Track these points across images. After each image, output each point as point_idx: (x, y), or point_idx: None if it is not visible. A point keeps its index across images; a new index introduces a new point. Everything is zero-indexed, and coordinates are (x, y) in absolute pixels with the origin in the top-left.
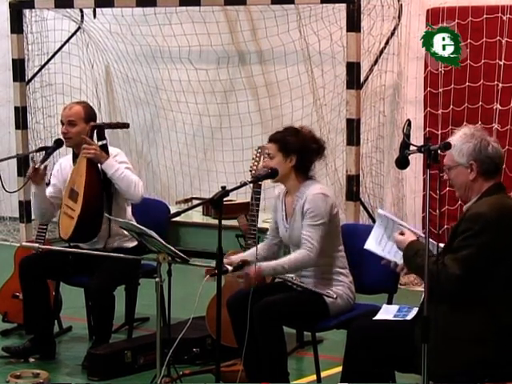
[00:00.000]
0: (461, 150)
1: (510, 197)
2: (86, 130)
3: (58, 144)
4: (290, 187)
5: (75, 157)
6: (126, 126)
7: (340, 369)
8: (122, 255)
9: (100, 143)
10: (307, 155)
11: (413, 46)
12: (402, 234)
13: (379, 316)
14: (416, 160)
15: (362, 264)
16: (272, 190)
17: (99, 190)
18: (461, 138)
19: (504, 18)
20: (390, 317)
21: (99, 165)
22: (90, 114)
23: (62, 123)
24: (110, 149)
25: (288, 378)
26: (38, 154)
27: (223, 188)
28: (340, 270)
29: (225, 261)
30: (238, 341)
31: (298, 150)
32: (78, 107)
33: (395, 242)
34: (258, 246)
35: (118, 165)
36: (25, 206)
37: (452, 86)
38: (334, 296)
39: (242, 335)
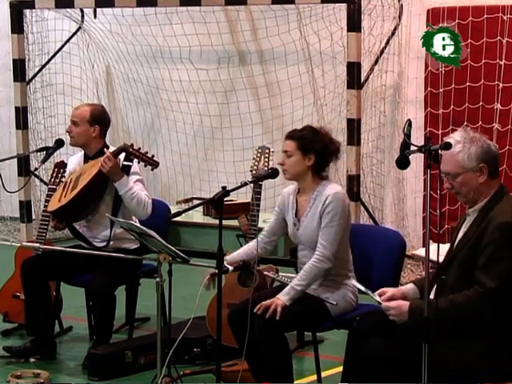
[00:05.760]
0: (469, 154)
1: None
2: (89, 132)
3: (59, 144)
4: (305, 186)
5: (87, 158)
6: (155, 164)
7: (340, 369)
8: (122, 255)
9: (125, 163)
10: (326, 155)
11: (413, 46)
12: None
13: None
14: (416, 160)
15: (362, 264)
16: (272, 190)
17: (93, 197)
18: (463, 143)
19: (504, 17)
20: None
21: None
22: (97, 117)
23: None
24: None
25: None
26: (38, 153)
27: (224, 188)
28: (345, 273)
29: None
30: (240, 348)
31: (318, 149)
32: (84, 108)
33: (386, 309)
34: (250, 244)
35: (132, 184)
36: (25, 206)
37: (452, 85)
38: (334, 303)
39: (247, 348)
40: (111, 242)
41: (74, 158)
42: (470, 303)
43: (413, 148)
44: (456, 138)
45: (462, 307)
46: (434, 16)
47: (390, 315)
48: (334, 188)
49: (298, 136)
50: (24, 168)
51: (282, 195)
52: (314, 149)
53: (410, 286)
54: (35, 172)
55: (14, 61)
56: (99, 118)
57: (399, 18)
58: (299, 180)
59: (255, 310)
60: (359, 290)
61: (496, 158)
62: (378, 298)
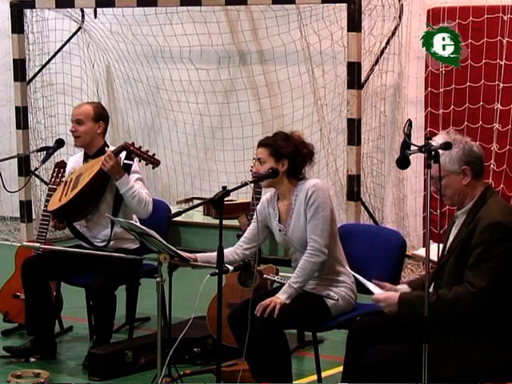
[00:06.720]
0: (450, 157)
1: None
2: (95, 129)
3: (59, 144)
4: (283, 191)
5: (87, 157)
6: (156, 163)
7: (341, 369)
8: (123, 255)
9: (125, 162)
10: (299, 160)
11: (413, 46)
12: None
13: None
14: (417, 160)
15: (362, 264)
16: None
17: (93, 196)
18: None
19: (505, 17)
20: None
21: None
22: (100, 114)
23: (72, 121)
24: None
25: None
26: (38, 153)
27: (224, 188)
28: (341, 270)
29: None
30: (240, 348)
31: (290, 154)
32: (87, 106)
33: (375, 300)
34: (228, 250)
35: (133, 183)
36: (26, 206)
37: (453, 85)
38: (336, 298)
39: (247, 348)
40: (111, 242)
41: (73, 158)
42: (459, 300)
43: (413, 148)
44: (438, 140)
45: (450, 303)
46: (435, 16)
47: (380, 306)
48: (313, 181)
49: (269, 143)
50: (24, 168)
51: (261, 204)
52: (286, 154)
53: (404, 286)
54: (35, 172)
55: (14, 61)
56: (102, 114)
57: (399, 18)
58: (276, 186)
59: (255, 312)
60: (357, 280)
61: (479, 159)
62: (372, 289)
